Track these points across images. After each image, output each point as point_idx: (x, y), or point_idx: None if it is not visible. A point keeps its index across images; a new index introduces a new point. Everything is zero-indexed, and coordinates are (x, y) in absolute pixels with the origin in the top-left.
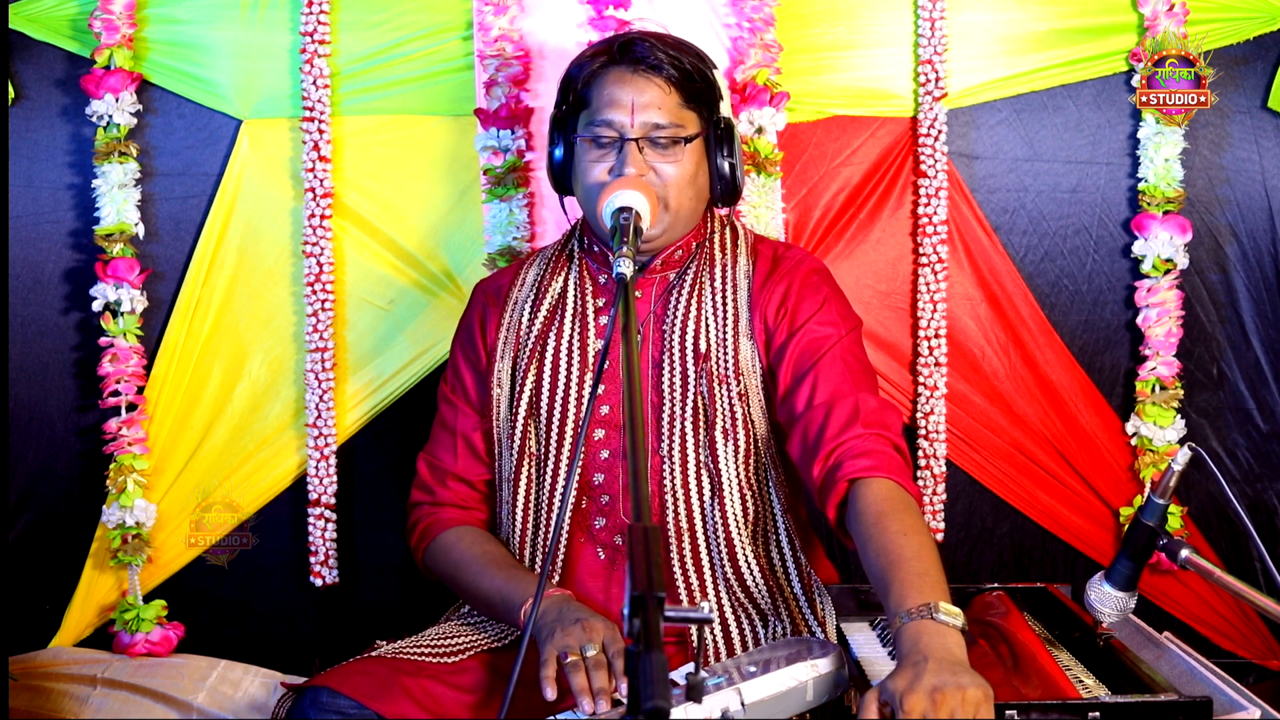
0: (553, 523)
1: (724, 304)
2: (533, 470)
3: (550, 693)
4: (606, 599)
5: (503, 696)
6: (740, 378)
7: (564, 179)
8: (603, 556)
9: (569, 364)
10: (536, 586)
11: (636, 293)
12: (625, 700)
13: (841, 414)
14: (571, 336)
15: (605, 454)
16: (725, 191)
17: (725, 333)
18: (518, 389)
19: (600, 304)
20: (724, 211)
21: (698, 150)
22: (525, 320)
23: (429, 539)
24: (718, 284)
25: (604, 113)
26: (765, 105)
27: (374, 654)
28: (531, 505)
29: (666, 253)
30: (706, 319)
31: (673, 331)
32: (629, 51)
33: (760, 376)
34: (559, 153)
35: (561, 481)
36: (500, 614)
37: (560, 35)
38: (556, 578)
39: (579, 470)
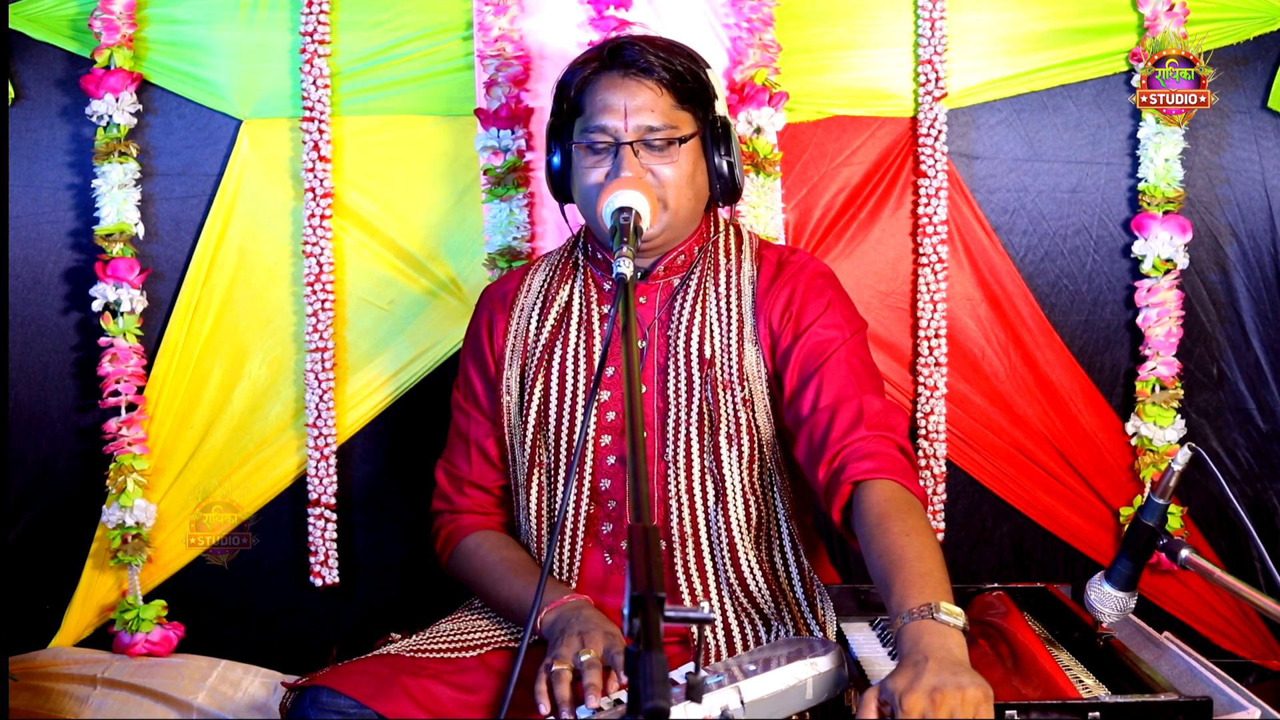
0: (555, 530)
1: (728, 309)
2: (542, 477)
3: (543, 707)
4: (611, 606)
5: (503, 696)
6: (745, 383)
7: (563, 187)
8: (609, 561)
9: (575, 372)
10: (539, 593)
11: (641, 299)
12: (625, 700)
13: (846, 416)
14: (578, 345)
15: (612, 460)
16: (725, 190)
17: (730, 338)
18: (526, 397)
19: (606, 310)
20: (726, 214)
21: (694, 150)
22: (533, 328)
23: (452, 546)
24: (722, 289)
25: (598, 119)
26: (764, 105)
27: (387, 648)
28: (544, 512)
29: (669, 257)
30: (711, 324)
31: (677, 337)
32: (619, 56)
33: (765, 382)
34: (556, 161)
35: (565, 488)
36: (518, 619)
37: (560, 35)
38: (571, 585)
39: (586, 477)
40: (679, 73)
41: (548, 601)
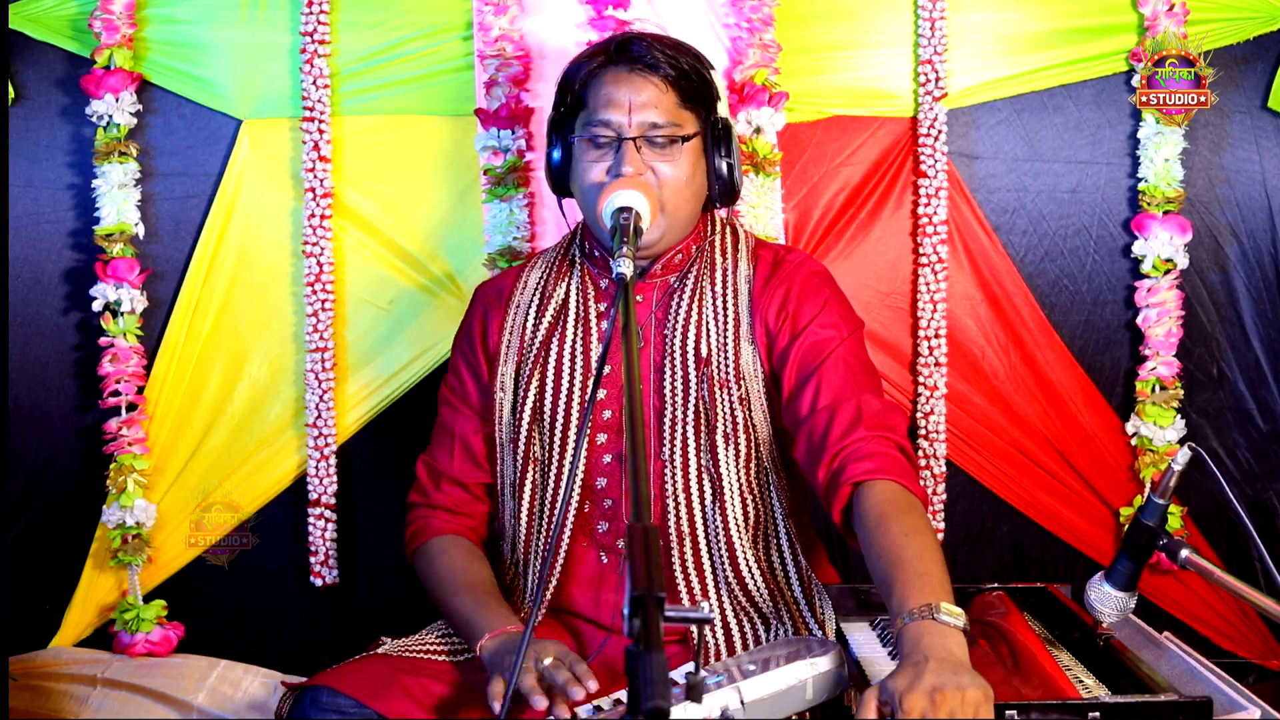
0: (552, 528)
1: (725, 308)
2: (537, 475)
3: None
4: (605, 603)
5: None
6: (741, 382)
7: (563, 181)
8: (604, 560)
9: (571, 370)
10: (537, 603)
11: (637, 297)
12: (625, 700)
13: (845, 417)
14: (574, 342)
15: (608, 458)
16: (723, 192)
17: (726, 337)
18: (521, 394)
19: (602, 309)
20: (723, 214)
21: (695, 150)
22: (529, 325)
23: (418, 542)
24: (718, 288)
25: (601, 113)
26: (763, 105)
27: (377, 651)
28: (537, 510)
29: (666, 256)
30: (707, 323)
31: (674, 336)
32: (625, 51)
33: (762, 381)
34: (557, 154)
35: (563, 486)
36: (466, 638)
37: (560, 35)
38: (554, 582)
39: (581, 474)
40: (684, 71)
41: (491, 627)
